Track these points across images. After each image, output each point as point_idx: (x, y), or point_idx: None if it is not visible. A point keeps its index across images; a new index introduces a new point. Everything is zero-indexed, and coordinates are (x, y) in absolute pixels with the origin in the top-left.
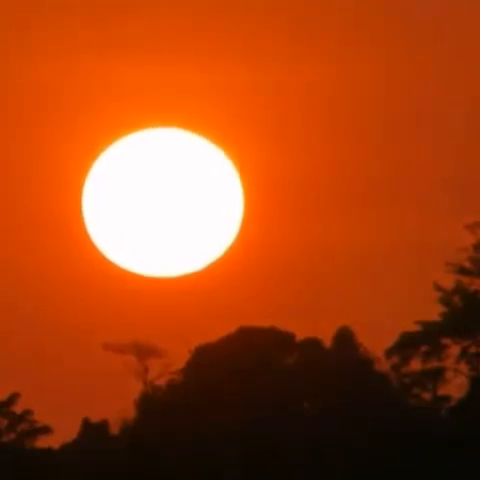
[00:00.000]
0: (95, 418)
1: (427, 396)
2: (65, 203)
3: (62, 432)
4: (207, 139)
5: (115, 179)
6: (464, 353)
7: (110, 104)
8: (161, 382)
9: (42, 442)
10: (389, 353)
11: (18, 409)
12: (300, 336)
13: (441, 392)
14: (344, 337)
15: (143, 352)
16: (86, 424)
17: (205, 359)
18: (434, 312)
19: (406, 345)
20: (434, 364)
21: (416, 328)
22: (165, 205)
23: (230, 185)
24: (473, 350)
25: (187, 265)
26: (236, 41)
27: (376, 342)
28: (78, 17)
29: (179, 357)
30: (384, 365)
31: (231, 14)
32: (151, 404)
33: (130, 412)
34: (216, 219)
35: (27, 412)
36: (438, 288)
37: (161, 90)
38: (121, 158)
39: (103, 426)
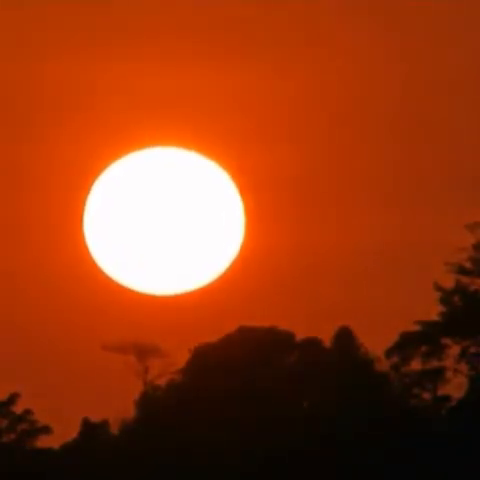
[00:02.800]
0: (95, 418)
1: (427, 396)
2: (67, 220)
3: (62, 432)
4: (206, 157)
5: (116, 197)
6: (464, 353)
7: (111, 122)
8: (161, 382)
9: (42, 442)
10: (389, 353)
11: (18, 409)
12: (300, 336)
13: (441, 392)
14: (344, 337)
15: (143, 352)
16: (86, 424)
17: (205, 359)
18: (434, 312)
19: (406, 345)
20: (434, 364)
21: (416, 328)
22: (166, 223)
23: (229, 195)
24: (473, 350)
25: (188, 283)
26: (232, 61)
27: (376, 342)
28: (82, 37)
29: (179, 357)
30: (384, 365)
31: (225, 30)
32: (151, 404)
33: (130, 412)
34: (217, 233)
35: (27, 412)
36: (438, 288)
37: (159, 109)
38: (122, 177)
39: (103, 426)
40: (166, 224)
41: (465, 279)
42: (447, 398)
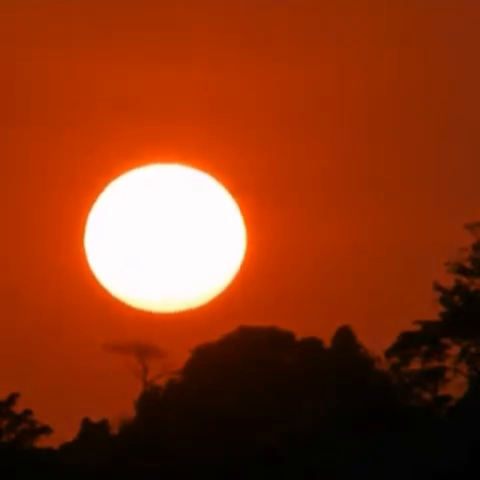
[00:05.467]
0: (95, 418)
1: (427, 396)
2: (68, 239)
3: (62, 432)
4: (206, 173)
5: (117, 215)
6: (464, 353)
7: (111, 140)
8: (161, 382)
9: (42, 442)
10: (389, 353)
11: (18, 409)
12: (300, 336)
13: (441, 392)
14: (344, 337)
15: (143, 352)
16: (86, 424)
17: (205, 359)
18: (434, 312)
19: (406, 345)
20: (434, 364)
21: (416, 328)
22: (167, 239)
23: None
24: (473, 350)
25: (190, 300)
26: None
27: (376, 342)
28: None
29: (179, 357)
30: (384, 365)
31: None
32: (151, 404)
33: (130, 412)
34: (219, 246)
35: (27, 412)
36: (438, 288)
37: (156, 127)
38: (122, 195)
39: (103, 426)
40: (167, 240)
41: (465, 279)
42: (447, 398)
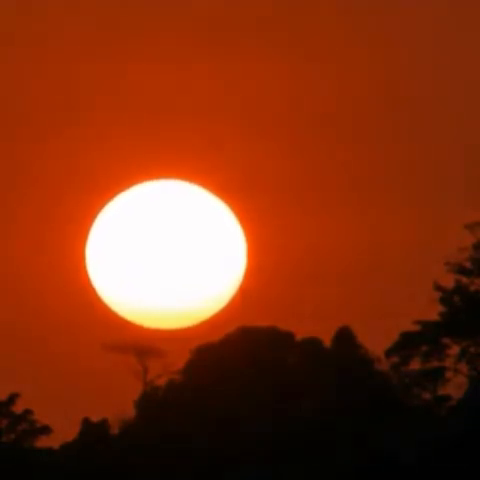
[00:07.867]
0: (95, 418)
1: (427, 396)
2: (70, 255)
3: (62, 432)
4: (205, 189)
5: (118, 231)
6: (464, 353)
7: (112, 156)
8: (161, 382)
9: (42, 442)
10: (389, 353)
11: (18, 409)
12: (300, 336)
13: (441, 392)
14: (344, 337)
15: (143, 352)
16: (86, 424)
17: (205, 359)
18: (434, 312)
19: (406, 345)
20: (434, 364)
21: (416, 328)
22: (168, 256)
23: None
24: (473, 350)
25: (190, 313)
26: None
27: (376, 342)
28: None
29: (179, 357)
30: (384, 365)
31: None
32: (151, 404)
33: (130, 412)
34: (220, 257)
35: (27, 412)
36: (438, 288)
37: (156, 143)
38: (124, 210)
39: (103, 426)
40: (168, 252)
41: (465, 279)
42: (447, 398)
